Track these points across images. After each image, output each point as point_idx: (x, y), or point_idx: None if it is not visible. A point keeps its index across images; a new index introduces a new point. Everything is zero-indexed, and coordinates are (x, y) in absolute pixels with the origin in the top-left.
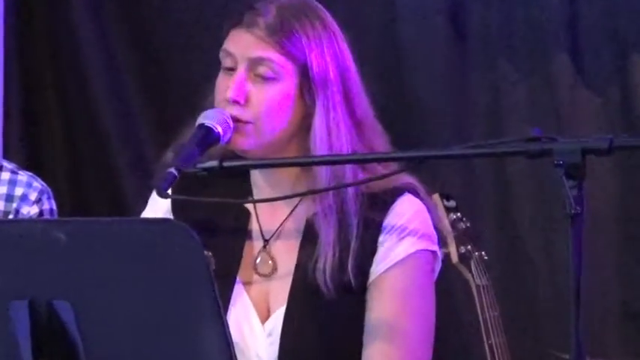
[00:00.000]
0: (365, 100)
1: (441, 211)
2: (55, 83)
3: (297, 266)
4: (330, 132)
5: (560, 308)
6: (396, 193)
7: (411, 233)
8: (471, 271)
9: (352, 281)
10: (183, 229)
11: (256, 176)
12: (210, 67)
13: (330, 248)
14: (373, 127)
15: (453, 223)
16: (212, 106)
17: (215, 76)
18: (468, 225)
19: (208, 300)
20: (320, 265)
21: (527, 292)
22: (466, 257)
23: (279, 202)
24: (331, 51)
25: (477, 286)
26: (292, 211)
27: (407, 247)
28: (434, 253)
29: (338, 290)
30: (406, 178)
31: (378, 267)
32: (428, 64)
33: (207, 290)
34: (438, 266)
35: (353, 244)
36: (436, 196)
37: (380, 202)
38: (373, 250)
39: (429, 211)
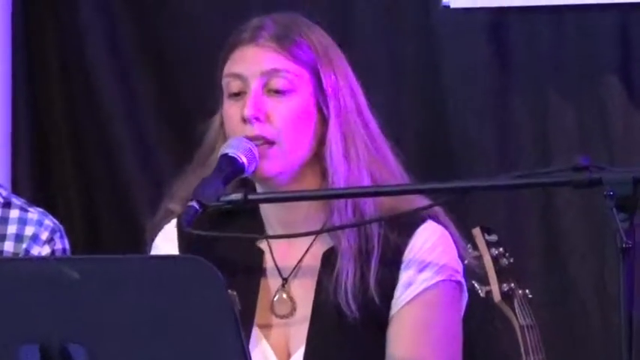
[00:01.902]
0: (370, 111)
1: (482, 246)
2: (66, 113)
3: (315, 303)
4: (345, 141)
5: (613, 352)
6: (417, 219)
7: (432, 263)
8: (514, 311)
9: (376, 299)
10: (205, 267)
11: (268, 211)
12: None
13: (351, 265)
14: (384, 140)
15: (495, 259)
16: (210, 144)
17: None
18: (512, 261)
19: (234, 342)
20: (341, 283)
21: (576, 334)
22: (509, 296)
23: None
24: (337, 62)
25: (521, 327)
26: (309, 247)
27: (428, 278)
28: (458, 283)
29: (361, 310)
30: (425, 202)
31: (399, 299)
32: (469, 88)
33: (232, 332)
34: (465, 298)
35: (374, 262)
36: (477, 230)
37: (401, 227)
38: (395, 278)
39: (453, 238)
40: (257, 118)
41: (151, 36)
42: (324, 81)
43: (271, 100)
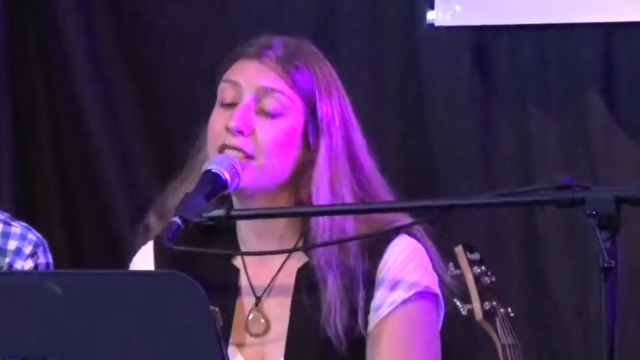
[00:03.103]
0: (367, 152)
1: (464, 265)
2: (49, 126)
3: (291, 324)
4: (332, 180)
5: None
6: (390, 234)
7: (405, 277)
8: (496, 330)
9: (363, 332)
10: (188, 283)
11: (243, 229)
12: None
13: (338, 300)
14: (377, 181)
15: (477, 278)
16: (202, 154)
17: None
18: (494, 279)
19: (215, 358)
20: (331, 319)
21: (557, 353)
22: (491, 314)
23: (268, 255)
24: (336, 96)
25: (503, 346)
26: (283, 264)
27: (403, 291)
28: (434, 295)
29: (351, 343)
30: (402, 219)
31: (375, 314)
32: (452, 106)
33: (213, 348)
34: (442, 310)
35: (361, 295)
36: (459, 248)
37: (374, 245)
38: (370, 297)
39: (428, 252)
40: (241, 132)
41: (133, 51)
42: (319, 113)
43: (259, 119)
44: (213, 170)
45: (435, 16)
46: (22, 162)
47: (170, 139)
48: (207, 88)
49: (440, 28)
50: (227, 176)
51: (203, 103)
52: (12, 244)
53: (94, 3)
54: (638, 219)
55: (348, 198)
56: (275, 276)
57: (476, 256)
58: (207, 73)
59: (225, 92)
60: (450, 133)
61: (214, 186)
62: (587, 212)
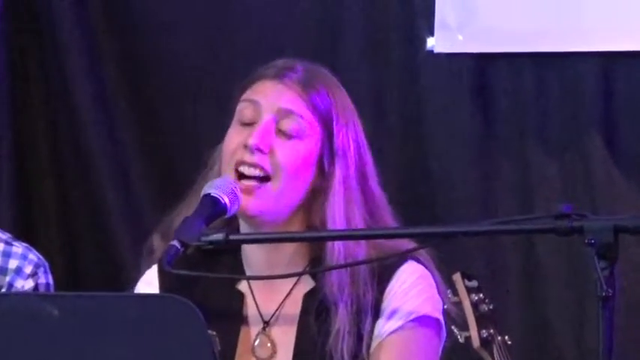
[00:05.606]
0: (377, 180)
1: (462, 292)
2: (50, 149)
3: (296, 349)
4: (346, 207)
5: None
6: (397, 260)
7: (409, 302)
8: (493, 357)
9: (366, 358)
10: (185, 306)
11: (250, 254)
12: (216, 132)
13: (347, 326)
14: (386, 210)
15: (475, 305)
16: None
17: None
18: (491, 307)
19: None
20: (339, 345)
21: None
22: (488, 342)
23: (276, 281)
24: (352, 123)
25: None
26: (291, 289)
27: (404, 316)
28: (437, 321)
29: None
30: (408, 246)
31: (377, 337)
32: (451, 133)
33: None
34: (443, 336)
35: (367, 321)
36: (457, 276)
37: (382, 271)
38: (375, 322)
39: (433, 277)
40: (260, 150)
41: (135, 74)
42: (335, 139)
43: (278, 139)
44: (212, 194)
45: (435, 43)
46: (22, 185)
47: (171, 162)
48: (209, 110)
49: (440, 54)
50: (226, 200)
51: (205, 126)
52: (13, 263)
53: (96, 24)
54: (637, 248)
55: (360, 226)
56: (283, 301)
57: (474, 283)
58: (208, 95)
59: (244, 111)
60: (450, 160)
61: (214, 210)
62: (586, 241)
